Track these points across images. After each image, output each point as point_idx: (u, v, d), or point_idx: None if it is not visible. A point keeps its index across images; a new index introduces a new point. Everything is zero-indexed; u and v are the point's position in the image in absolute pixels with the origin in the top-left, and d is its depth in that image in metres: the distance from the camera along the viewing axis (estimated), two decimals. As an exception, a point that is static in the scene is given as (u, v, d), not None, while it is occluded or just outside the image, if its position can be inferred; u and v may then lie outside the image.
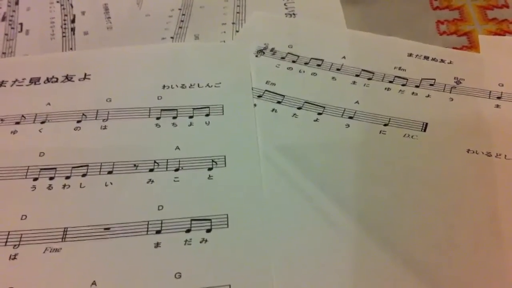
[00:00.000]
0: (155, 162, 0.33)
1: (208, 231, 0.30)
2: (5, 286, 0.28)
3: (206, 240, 0.30)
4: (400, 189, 0.32)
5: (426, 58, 0.40)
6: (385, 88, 0.38)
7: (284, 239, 0.30)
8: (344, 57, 0.40)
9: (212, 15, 0.45)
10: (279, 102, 0.37)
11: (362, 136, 0.35)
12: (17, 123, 0.36)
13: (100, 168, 0.33)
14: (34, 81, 0.38)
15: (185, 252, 0.29)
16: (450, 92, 0.37)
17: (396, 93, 0.37)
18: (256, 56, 0.40)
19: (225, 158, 0.33)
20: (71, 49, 0.42)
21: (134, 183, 0.32)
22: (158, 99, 0.37)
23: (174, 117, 0.36)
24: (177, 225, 0.30)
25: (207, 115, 0.36)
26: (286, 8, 0.45)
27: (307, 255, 0.29)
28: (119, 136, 0.35)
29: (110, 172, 0.33)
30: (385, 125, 0.35)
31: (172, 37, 0.43)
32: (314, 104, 0.37)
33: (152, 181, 0.32)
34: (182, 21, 0.44)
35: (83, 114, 0.36)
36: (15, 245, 0.30)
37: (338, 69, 0.39)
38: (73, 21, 0.45)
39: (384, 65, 0.39)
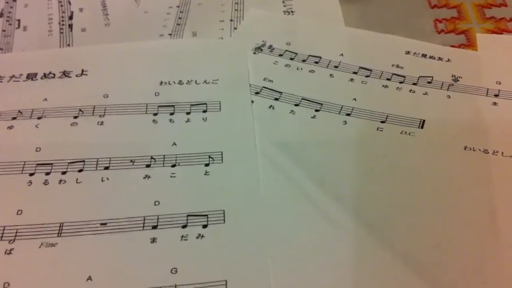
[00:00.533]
0: (152, 158, 0.33)
1: (205, 226, 0.30)
2: (1, 281, 0.28)
3: (202, 236, 0.30)
4: (397, 186, 0.32)
5: (424, 56, 0.40)
6: (383, 86, 0.38)
7: (281, 236, 0.30)
8: (342, 55, 0.40)
9: (210, 12, 0.45)
10: (276, 99, 0.37)
11: (360, 133, 0.35)
12: (14, 118, 0.36)
13: (97, 164, 0.33)
14: (31, 76, 0.38)
15: (181, 247, 0.29)
16: (448, 90, 0.37)
17: (393, 91, 0.37)
18: (254, 53, 0.40)
19: (222, 154, 0.33)
20: (68, 45, 0.42)
21: (130, 179, 0.32)
22: (155, 95, 0.37)
23: (171, 113, 0.36)
24: (173, 220, 0.30)
25: (205, 111, 0.36)
26: (284, 6, 0.45)
27: (303, 251, 0.29)
28: (116, 132, 0.35)
29: (106, 168, 0.33)
30: (382, 122, 0.35)
31: (170, 34, 0.43)
32: (312, 101, 0.37)
33: (149, 177, 0.32)
34: (180, 18, 0.44)
35: (80, 110, 0.36)
36: (10, 240, 0.29)
37: (336, 67, 0.39)
38: (70, 17, 0.45)
39: (382, 63, 0.39)
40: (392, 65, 0.39)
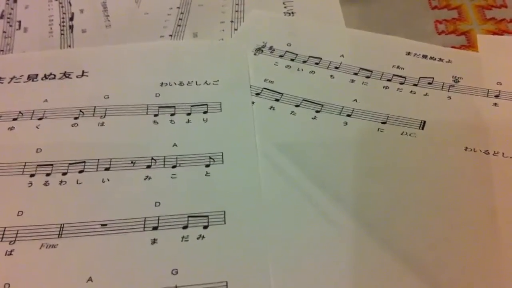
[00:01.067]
0: (152, 158, 0.33)
1: (205, 227, 0.30)
2: (1, 282, 0.28)
3: (203, 237, 0.30)
4: (398, 187, 0.32)
5: (425, 57, 0.40)
6: (383, 87, 0.38)
7: (282, 236, 0.30)
8: (342, 56, 0.40)
9: (211, 14, 0.45)
10: (277, 100, 0.37)
11: (360, 134, 0.35)
12: (15, 119, 0.36)
13: (97, 165, 0.33)
14: (32, 77, 0.38)
15: (182, 248, 0.29)
16: (448, 91, 0.37)
17: (394, 92, 0.37)
18: (255, 54, 0.40)
19: (222, 155, 0.33)
20: (69, 46, 0.42)
21: (131, 180, 0.32)
22: (156, 96, 0.37)
23: (172, 114, 0.36)
24: (174, 221, 0.30)
25: (205, 112, 0.36)
26: (285, 7, 0.45)
27: (304, 252, 0.29)
28: (117, 133, 0.35)
29: (107, 169, 0.33)
30: (383, 123, 0.35)
31: (170, 35, 0.43)
32: (312, 102, 0.37)
33: (149, 178, 0.32)
34: (180, 19, 0.44)
35: (81, 111, 0.36)
36: (11, 241, 0.29)
37: (336, 67, 0.39)
38: (71, 19, 0.45)
39: (383, 64, 0.39)
40: (393, 66, 0.39)
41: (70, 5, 0.46)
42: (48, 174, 0.32)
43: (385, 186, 0.32)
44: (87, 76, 0.39)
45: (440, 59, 0.40)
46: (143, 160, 0.33)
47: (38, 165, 0.33)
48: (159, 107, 0.36)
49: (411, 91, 0.37)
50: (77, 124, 0.35)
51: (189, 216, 0.30)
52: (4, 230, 0.30)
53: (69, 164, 0.33)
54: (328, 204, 0.31)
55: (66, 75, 0.39)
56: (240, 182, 0.32)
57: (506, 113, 0.36)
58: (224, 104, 0.36)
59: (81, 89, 0.38)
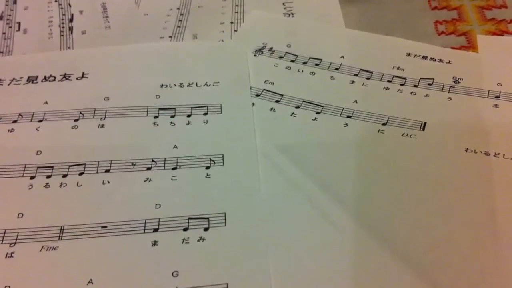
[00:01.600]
0: (152, 160, 0.33)
1: (206, 229, 0.30)
2: (1, 285, 0.28)
3: (203, 239, 0.30)
4: (399, 188, 0.32)
5: (425, 57, 0.40)
6: (384, 88, 0.38)
7: (282, 238, 0.30)
8: (342, 57, 0.40)
9: (211, 15, 0.45)
10: (277, 101, 0.37)
11: (361, 135, 0.35)
12: (15, 121, 0.36)
13: (98, 167, 0.33)
14: (31, 79, 0.38)
15: (182, 250, 0.29)
16: (449, 92, 0.37)
17: (394, 93, 0.37)
18: (255, 55, 0.40)
19: (223, 157, 0.33)
20: (69, 48, 0.42)
21: (131, 182, 0.32)
22: (156, 98, 0.37)
23: (172, 116, 0.36)
24: (174, 223, 0.30)
25: (205, 114, 0.36)
26: (285, 8, 0.45)
27: (305, 253, 0.29)
28: (117, 134, 0.35)
29: (107, 171, 0.33)
30: (383, 124, 0.35)
31: (170, 37, 0.43)
32: (313, 103, 0.37)
33: (150, 180, 0.32)
34: (180, 20, 0.44)
35: (81, 113, 0.36)
36: (11, 244, 0.29)
37: (336, 69, 0.39)
38: (71, 20, 0.45)
39: (383, 65, 0.39)
40: (393, 67, 0.39)
41: (70, 6, 0.46)
42: (48, 176, 0.32)
43: (385, 187, 0.32)
44: (87, 78, 0.39)
45: (440, 60, 0.40)
46: (143, 162, 0.33)
47: (38, 167, 0.33)
48: (159, 108, 0.36)
49: (412, 92, 0.37)
50: (77, 126, 0.35)
51: (189, 218, 0.30)
52: (5, 233, 0.30)
53: (69, 166, 0.33)
54: (328, 205, 0.31)
55: (66, 77, 0.39)
56: (240, 183, 0.32)
57: (507, 114, 0.36)
58: (224, 106, 0.36)
59: (81, 91, 0.38)
